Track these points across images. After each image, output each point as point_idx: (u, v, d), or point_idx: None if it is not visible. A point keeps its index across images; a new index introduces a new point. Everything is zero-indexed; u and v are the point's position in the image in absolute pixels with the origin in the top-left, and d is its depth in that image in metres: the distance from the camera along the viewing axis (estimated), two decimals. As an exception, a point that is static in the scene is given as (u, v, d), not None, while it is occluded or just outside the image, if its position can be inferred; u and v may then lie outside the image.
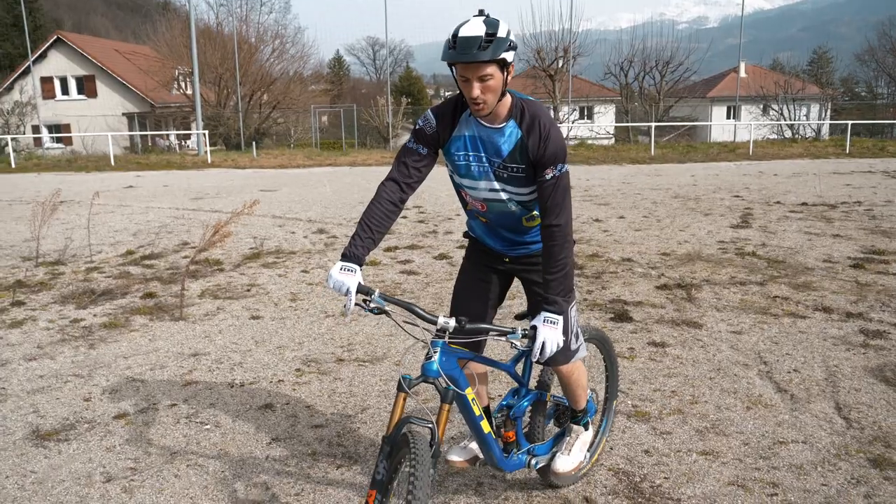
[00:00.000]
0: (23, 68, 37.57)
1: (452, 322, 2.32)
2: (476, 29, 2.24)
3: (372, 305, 2.35)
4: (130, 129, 38.13)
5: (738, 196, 12.55)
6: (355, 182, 16.66)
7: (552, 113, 34.30)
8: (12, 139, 27.07)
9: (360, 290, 2.35)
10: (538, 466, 2.92)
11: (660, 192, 13.40)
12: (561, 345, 2.38)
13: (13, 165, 22.81)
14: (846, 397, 4.06)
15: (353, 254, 2.43)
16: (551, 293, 2.46)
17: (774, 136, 33.52)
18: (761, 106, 38.36)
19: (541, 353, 2.37)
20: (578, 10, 51.75)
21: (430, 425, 2.27)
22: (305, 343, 5.15)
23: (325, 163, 22.85)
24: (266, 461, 3.44)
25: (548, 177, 2.45)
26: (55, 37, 40.46)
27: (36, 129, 36.89)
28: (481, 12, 2.34)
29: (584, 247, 8.31)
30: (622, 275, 6.96)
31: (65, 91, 40.99)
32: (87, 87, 40.74)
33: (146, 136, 36.56)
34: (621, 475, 3.25)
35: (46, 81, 40.11)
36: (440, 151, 2.60)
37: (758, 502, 3.01)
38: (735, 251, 7.92)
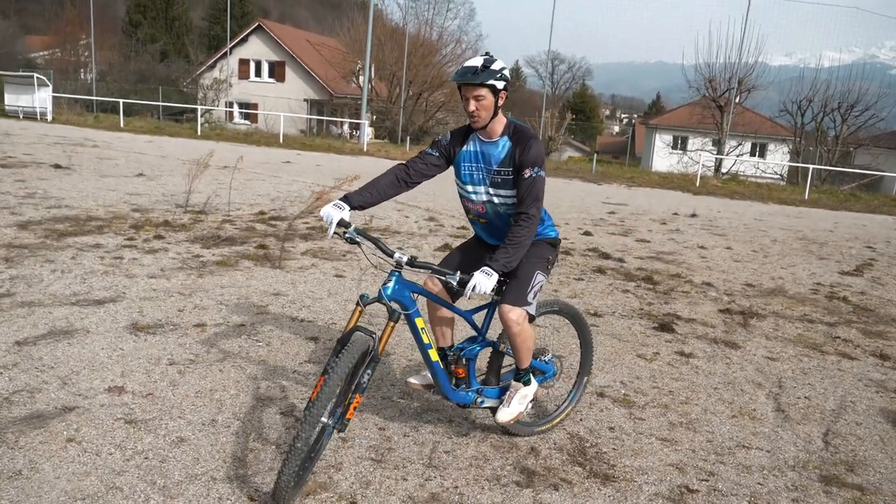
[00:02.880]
0: (224, 51, 41.78)
1: (405, 257, 2.94)
2: (475, 62, 3.02)
3: (347, 236, 3.02)
4: (309, 114, 41.35)
5: (870, 247, 11.90)
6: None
7: (719, 147, 33.14)
8: (206, 111, 30.60)
9: (342, 223, 3.05)
10: (483, 405, 3.43)
11: (788, 232, 12.97)
12: (488, 290, 2.89)
13: (199, 133, 25.80)
14: (841, 427, 4.16)
15: (349, 197, 3.16)
16: (499, 255, 3.00)
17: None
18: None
19: (473, 291, 2.89)
20: (759, 41, 49.39)
21: (373, 336, 2.88)
22: (369, 301, 5.88)
23: (469, 164, 23.75)
24: (293, 373, 4.19)
25: (525, 175, 3.09)
26: (256, 24, 44.67)
27: (230, 105, 41.14)
28: (487, 53, 3.10)
29: (671, 266, 8.46)
30: (692, 295, 7.11)
31: (258, 73, 45.08)
32: (277, 71, 44.60)
33: (321, 121, 39.58)
34: (576, 439, 3.66)
35: (244, 63, 44.38)
36: (450, 165, 3.31)
37: (685, 482, 3.33)
38: (827, 294, 7.75)
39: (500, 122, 3.16)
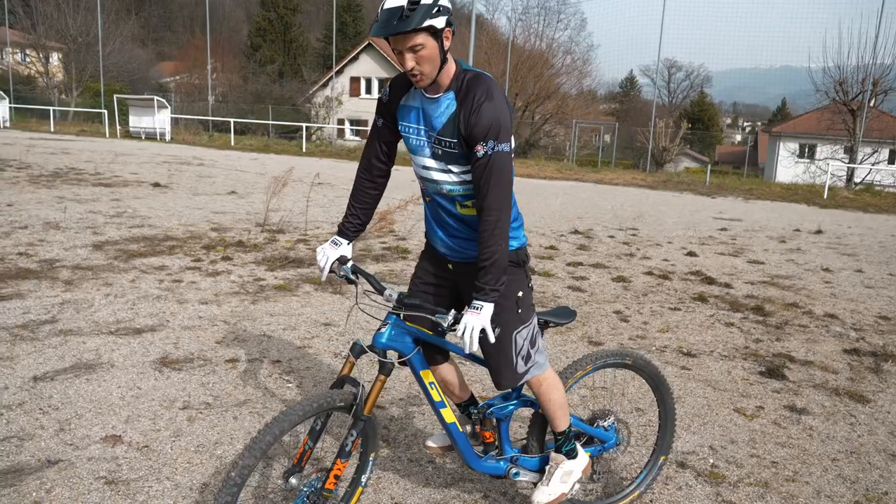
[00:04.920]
0: (334, 71, 42.77)
1: (395, 293, 2.41)
2: (398, 0, 2.15)
3: (342, 274, 2.53)
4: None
5: None
6: (589, 198, 16.46)
7: (852, 155, 30.34)
8: (317, 129, 31.32)
9: (342, 259, 2.55)
10: (518, 478, 2.74)
11: (934, 251, 11.30)
12: (477, 330, 2.25)
13: (304, 150, 26.30)
14: None
15: (343, 229, 2.64)
16: (479, 281, 2.34)
17: None
18: None
19: (471, 344, 2.27)
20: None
21: (358, 387, 2.38)
22: (426, 333, 5.29)
23: (571, 177, 22.85)
24: (313, 425, 3.65)
25: (479, 154, 2.29)
26: (366, 43, 45.56)
27: (341, 122, 42.11)
28: None
29: (787, 294, 7.36)
30: (812, 330, 6.05)
31: (368, 90, 45.96)
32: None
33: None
34: (640, 529, 2.90)
35: (355, 81, 45.38)
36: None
37: None
38: (984, 330, 6.44)
39: (448, 72, 2.32)
